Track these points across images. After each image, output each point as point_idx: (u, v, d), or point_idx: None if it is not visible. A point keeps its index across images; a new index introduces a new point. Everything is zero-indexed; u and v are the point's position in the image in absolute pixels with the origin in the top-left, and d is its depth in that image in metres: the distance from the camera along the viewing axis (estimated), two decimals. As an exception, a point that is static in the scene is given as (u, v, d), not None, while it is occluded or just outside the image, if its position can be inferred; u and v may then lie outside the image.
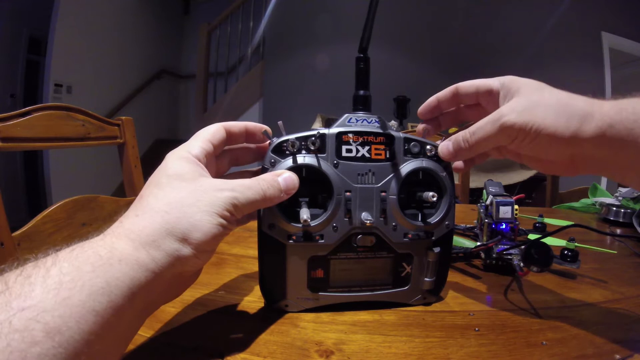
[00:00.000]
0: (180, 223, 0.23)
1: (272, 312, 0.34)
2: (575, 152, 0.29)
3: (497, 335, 0.31)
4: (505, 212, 0.46)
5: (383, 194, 0.32)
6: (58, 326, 0.17)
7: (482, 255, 0.46)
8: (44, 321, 0.17)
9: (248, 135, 0.32)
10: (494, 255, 0.44)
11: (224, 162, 0.32)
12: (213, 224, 0.24)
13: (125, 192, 0.87)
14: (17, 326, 0.16)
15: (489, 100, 0.34)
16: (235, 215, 0.26)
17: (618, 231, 0.70)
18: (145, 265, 0.21)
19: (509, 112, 0.29)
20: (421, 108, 0.37)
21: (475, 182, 1.34)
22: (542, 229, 0.63)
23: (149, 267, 0.22)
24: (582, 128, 0.27)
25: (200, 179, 0.25)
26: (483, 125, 0.31)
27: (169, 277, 0.23)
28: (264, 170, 0.31)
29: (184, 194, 0.24)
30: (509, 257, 0.43)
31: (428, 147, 0.34)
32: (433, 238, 0.34)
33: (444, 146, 0.33)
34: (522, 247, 0.40)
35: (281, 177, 0.29)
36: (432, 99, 0.37)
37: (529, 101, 0.29)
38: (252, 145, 0.34)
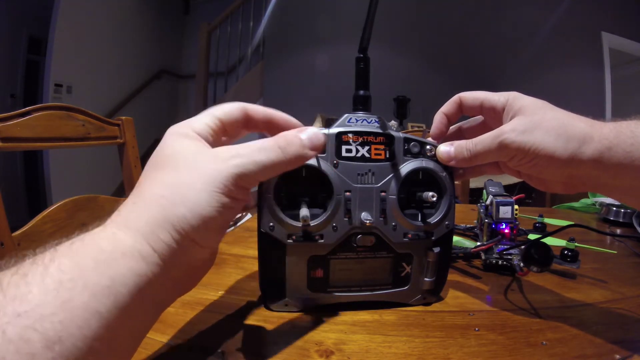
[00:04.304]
0: (176, 208, 0.20)
1: (272, 312, 0.34)
2: (573, 173, 0.29)
3: (497, 335, 0.31)
4: (505, 212, 0.46)
5: (383, 194, 0.32)
6: (58, 334, 0.15)
7: (482, 255, 0.46)
8: (42, 329, 0.15)
9: (271, 126, 0.28)
10: (494, 255, 0.44)
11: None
12: (213, 207, 0.21)
13: (125, 192, 0.87)
14: (12, 335, 0.14)
15: (493, 117, 0.34)
16: (246, 187, 0.22)
17: (618, 231, 0.70)
18: (149, 258, 0.19)
19: (509, 131, 0.30)
20: (434, 130, 0.37)
21: (475, 182, 1.34)
22: (542, 229, 0.63)
23: (153, 260, 0.20)
24: (581, 150, 0.28)
25: (200, 152, 0.22)
26: (484, 139, 0.31)
27: (177, 269, 0.21)
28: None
29: (182, 173, 0.21)
30: (509, 257, 0.43)
31: (428, 147, 0.34)
32: (433, 238, 0.34)
33: (445, 150, 0.33)
34: (522, 247, 0.40)
35: (304, 134, 0.25)
36: (440, 117, 0.36)
37: (531, 122, 0.29)
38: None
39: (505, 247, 0.44)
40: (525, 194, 0.67)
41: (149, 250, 0.20)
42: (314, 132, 0.25)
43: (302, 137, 0.25)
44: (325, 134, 0.29)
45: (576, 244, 0.46)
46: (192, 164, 0.22)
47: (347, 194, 0.32)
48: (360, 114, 0.33)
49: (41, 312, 0.15)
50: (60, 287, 0.16)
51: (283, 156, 0.23)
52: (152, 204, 0.21)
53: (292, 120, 0.28)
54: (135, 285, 0.18)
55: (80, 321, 0.16)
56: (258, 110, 0.27)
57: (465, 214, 0.77)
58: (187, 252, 0.21)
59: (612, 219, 0.76)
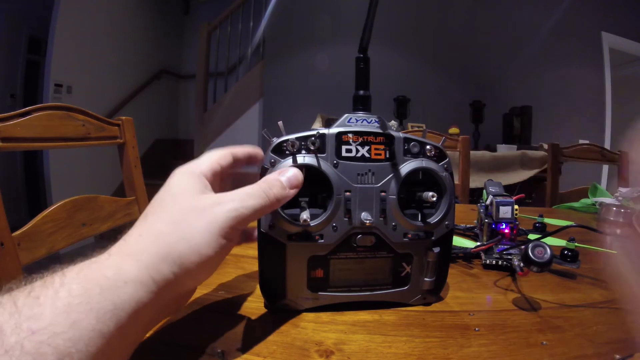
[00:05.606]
0: (178, 246, 0.23)
1: (272, 312, 0.34)
2: None
3: (497, 335, 0.31)
4: (505, 212, 0.46)
5: (383, 194, 0.32)
6: (68, 349, 0.17)
7: (482, 255, 0.46)
8: (54, 344, 0.17)
9: (250, 159, 0.32)
10: (494, 255, 0.44)
11: (226, 186, 0.32)
12: (212, 247, 0.24)
13: (125, 192, 0.87)
14: (28, 349, 0.16)
15: None
16: (240, 228, 0.25)
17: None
18: (148, 287, 0.22)
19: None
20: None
21: (475, 182, 1.34)
22: (542, 229, 0.63)
23: (151, 289, 0.22)
24: None
25: (202, 194, 0.25)
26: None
27: (169, 295, 0.24)
28: (263, 170, 0.31)
29: (185, 212, 0.24)
30: (509, 257, 0.43)
31: (428, 147, 0.34)
32: (433, 238, 0.34)
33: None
34: (522, 247, 0.40)
35: (284, 176, 0.29)
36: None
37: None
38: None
39: (505, 247, 0.44)
40: (525, 194, 0.67)
41: (149, 279, 0.22)
42: (293, 173, 0.29)
43: (282, 179, 0.28)
44: (301, 166, 0.30)
45: (576, 244, 0.46)
46: (195, 205, 0.24)
47: (347, 194, 0.32)
48: (360, 114, 0.33)
49: (53, 330, 0.18)
50: (70, 310, 0.19)
51: (268, 200, 0.26)
52: (155, 239, 0.23)
53: (256, 150, 0.32)
54: (133, 309, 0.21)
55: (87, 339, 0.18)
56: (240, 150, 0.31)
57: (465, 214, 0.77)
58: (181, 283, 0.24)
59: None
